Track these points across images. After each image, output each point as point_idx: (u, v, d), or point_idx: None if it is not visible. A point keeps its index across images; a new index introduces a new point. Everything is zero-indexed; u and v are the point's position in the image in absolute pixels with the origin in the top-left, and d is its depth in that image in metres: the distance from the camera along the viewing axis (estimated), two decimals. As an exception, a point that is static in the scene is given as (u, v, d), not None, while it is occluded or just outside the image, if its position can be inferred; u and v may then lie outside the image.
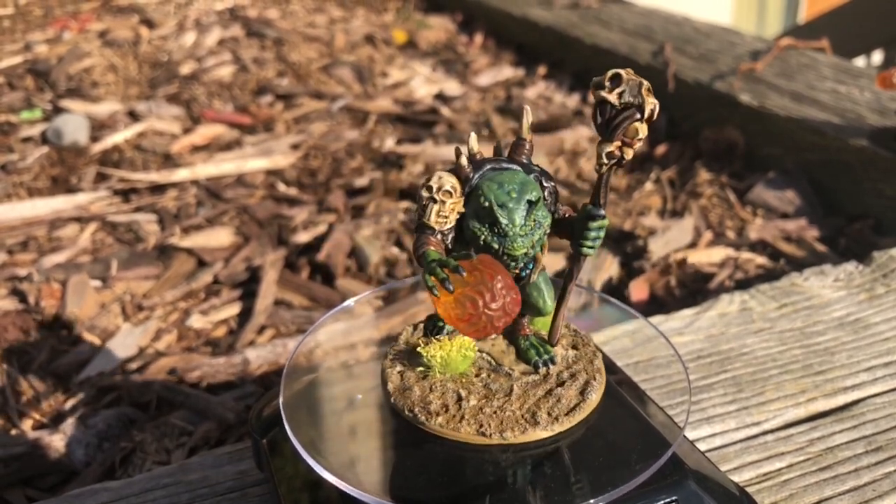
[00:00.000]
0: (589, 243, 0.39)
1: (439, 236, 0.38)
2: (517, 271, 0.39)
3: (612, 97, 0.34)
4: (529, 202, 0.37)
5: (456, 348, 0.40)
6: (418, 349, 0.41)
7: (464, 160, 0.39)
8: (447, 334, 0.42)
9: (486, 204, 0.37)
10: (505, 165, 0.39)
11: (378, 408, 0.42)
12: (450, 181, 0.38)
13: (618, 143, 0.35)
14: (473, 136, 0.40)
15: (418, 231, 0.38)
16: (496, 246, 0.38)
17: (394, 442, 0.40)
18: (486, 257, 0.37)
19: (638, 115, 0.35)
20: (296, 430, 0.39)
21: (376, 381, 0.43)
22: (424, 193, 0.38)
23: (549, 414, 0.38)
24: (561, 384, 0.40)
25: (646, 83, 0.34)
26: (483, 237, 0.38)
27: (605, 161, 0.36)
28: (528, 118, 0.40)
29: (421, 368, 0.41)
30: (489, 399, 0.39)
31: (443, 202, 0.37)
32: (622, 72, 0.34)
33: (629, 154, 0.36)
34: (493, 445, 0.38)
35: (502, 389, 0.40)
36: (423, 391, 0.39)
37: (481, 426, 0.38)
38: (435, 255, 0.37)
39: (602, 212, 0.38)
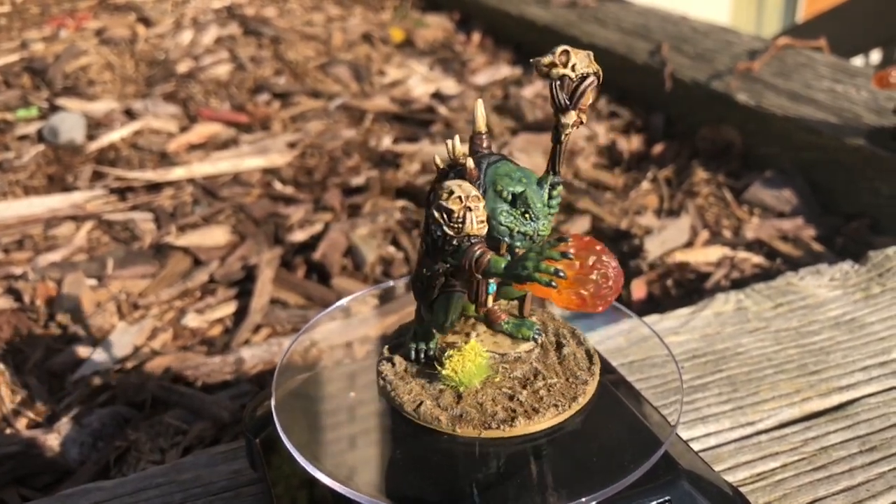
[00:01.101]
0: (554, 210, 0.40)
1: (481, 241, 0.38)
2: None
3: (568, 70, 0.37)
4: (540, 184, 0.38)
5: (475, 355, 0.40)
6: (442, 374, 0.39)
7: (470, 163, 0.38)
8: (450, 349, 0.41)
9: (515, 194, 0.38)
10: (494, 159, 0.39)
11: (371, 407, 0.42)
12: (470, 186, 0.37)
13: (576, 112, 0.38)
14: (458, 138, 0.39)
15: (462, 245, 0.37)
16: (530, 232, 0.38)
17: (387, 440, 0.40)
18: (574, 235, 0.38)
19: (596, 82, 0.38)
20: (287, 430, 0.39)
21: (370, 380, 0.43)
22: (454, 206, 0.36)
23: (581, 369, 0.40)
24: (560, 346, 0.42)
25: (590, 53, 0.38)
26: (516, 228, 0.38)
27: (570, 131, 0.39)
28: (482, 111, 0.41)
29: (459, 389, 0.40)
30: (530, 384, 0.40)
31: (477, 208, 0.37)
32: (567, 47, 0.37)
33: (585, 118, 0.39)
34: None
35: (530, 371, 0.40)
36: (477, 409, 0.39)
37: (556, 406, 0.38)
38: (500, 258, 0.37)
39: (560, 178, 0.40)
